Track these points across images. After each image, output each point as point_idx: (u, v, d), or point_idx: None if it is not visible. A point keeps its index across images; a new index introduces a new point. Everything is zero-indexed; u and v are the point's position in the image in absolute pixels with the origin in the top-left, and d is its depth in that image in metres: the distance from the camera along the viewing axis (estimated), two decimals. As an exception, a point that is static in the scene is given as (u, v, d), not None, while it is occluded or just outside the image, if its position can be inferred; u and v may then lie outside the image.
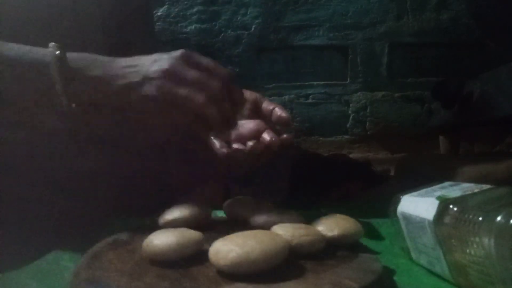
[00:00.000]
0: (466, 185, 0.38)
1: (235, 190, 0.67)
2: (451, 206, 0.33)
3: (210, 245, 0.33)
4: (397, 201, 0.40)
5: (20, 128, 0.50)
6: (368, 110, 1.39)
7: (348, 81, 1.40)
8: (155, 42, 0.76)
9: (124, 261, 0.34)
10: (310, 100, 1.39)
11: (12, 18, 0.52)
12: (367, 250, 0.38)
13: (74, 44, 0.60)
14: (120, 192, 0.56)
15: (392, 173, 1.06)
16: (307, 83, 1.39)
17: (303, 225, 0.39)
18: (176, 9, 1.36)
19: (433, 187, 0.39)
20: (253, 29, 1.37)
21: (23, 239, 0.48)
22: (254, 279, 0.30)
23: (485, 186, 0.36)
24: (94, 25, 0.62)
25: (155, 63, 0.43)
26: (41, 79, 0.43)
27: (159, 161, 0.60)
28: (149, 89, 0.42)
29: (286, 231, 0.36)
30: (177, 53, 0.44)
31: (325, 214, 0.42)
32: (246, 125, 0.54)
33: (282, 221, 0.40)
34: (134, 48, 0.69)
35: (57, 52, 0.43)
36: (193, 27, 1.36)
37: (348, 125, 1.40)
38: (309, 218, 0.42)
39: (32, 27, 0.54)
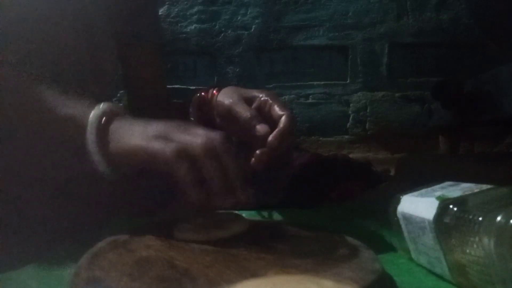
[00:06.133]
0: (466, 185, 0.38)
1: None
2: (451, 206, 0.33)
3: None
4: (397, 201, 0.40)
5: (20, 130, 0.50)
6: (368, 110, 1.39)
7: (348, 81, 1.40)
8: (161, 36, 0.76)
9: (124, 261, 0.34)
10: (310, 100, 1.39)
11: (19, 6, 0.53)
12: (367, 250, 0.38)
13: (80, 34, 0.60)
14: (120, 192, 0.56)
15: (392, 173, 1.06)
16: (307, 83, 1.39)
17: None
18: (176, 9, 1.36)
19: (433, 187, 0.39)
20: (253, 29, 1.37)
21: (23, 239, 0.48)
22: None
23: (485, 186, 0.36)
24: (100, 14, 0.62)
25: (188, 137, 0.40)
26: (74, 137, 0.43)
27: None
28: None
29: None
30: (214, 136, 0.40)
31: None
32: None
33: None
34: (141, 39, 0.70)
35: (95, 122, 0.42)
36: (193, 27, 1.36)
37: (348, 125, 1.40)
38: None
39: (37, 17, 0.54)
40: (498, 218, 0.28)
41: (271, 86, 1.38)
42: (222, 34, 1.37)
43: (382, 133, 1.39)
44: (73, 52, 0.59)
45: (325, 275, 0.32)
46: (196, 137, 0.40)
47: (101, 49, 0.63)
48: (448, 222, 0.33)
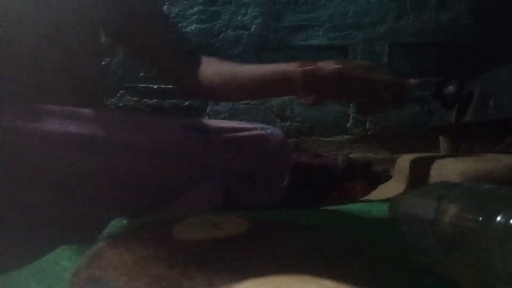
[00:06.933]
0: (466, 185, 0.38)
1: (235, 190, 0.66)
2: (451, 206, 0.33)
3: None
4: (397, 201, 0.40)
5: (20, 130, 0.50)
6: (368, 110, 1.39)
7: (348, 81, 1.39)
8: (160, 15, 0.77)
9: (124, 261, 0.34)
10: (310, 100, 1.39)
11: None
12: (367, 250, 0.38)
13: (75, 15, 0.61)
14: (120, 192, 0.56)
15: (392, 173, 1.06)
16: (307, 83, 1.39)
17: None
18: (176, 9, 1.36)
19: (433, 187, 0.39)
20: (253, 29, 1.37)
21: (23, 239, 0.48)
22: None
23: (485, 186, 0.36)
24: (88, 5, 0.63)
25: None
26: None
27: (158, 161, 0.60)
28: None
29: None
30: None
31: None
32: None
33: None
34: (138, 20, 0.69)
35: None
36: (193, 27, 1.36)
37: (348, 125, 1.40)
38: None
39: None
40: (498, 218, 0.28)
41: (271, 86, 1.38)
42: (222, 34, 1.37)
43: (382, 133, 1.39)
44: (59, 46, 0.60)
45: (324, 275, 0.32)
46: None
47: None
48: (448, 222, 0.33)
